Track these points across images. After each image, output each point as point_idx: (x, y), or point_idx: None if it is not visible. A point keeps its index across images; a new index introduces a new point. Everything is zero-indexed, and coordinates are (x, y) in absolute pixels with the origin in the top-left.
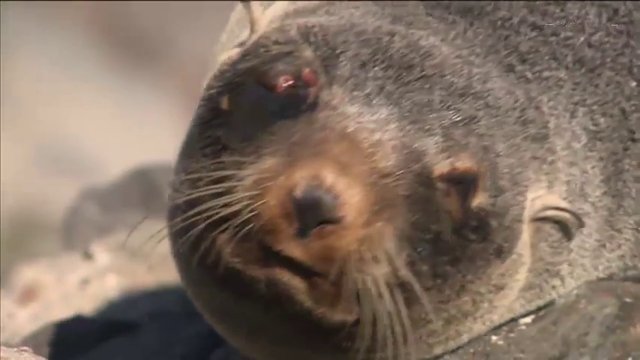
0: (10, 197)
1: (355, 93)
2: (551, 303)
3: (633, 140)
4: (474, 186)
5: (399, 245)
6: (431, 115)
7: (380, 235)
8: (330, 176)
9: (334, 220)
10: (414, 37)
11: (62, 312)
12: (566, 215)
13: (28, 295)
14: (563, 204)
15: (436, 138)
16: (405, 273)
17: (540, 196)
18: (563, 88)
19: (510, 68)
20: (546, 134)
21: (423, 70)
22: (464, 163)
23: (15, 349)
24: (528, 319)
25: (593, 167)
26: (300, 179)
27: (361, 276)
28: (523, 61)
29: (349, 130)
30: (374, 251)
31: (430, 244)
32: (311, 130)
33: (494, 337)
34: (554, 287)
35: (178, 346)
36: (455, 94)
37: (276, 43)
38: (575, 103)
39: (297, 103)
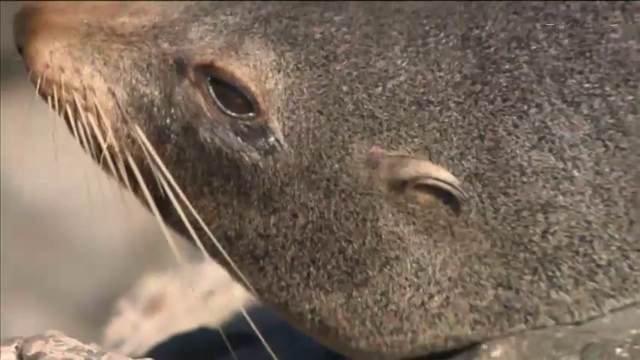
0: (142, 210)
1: None
2: None
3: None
4: (240, 93)
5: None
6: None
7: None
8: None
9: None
10: None
11: (187, 323)
12: (449, 189)
13: (154, 307)
14: (446, 175)
15: (218, 37)
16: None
17: (414, 163)
18: None
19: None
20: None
21: None
22: (227, 65)
23: None
24: None
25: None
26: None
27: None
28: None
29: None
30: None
31: (167, 123)
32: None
33: (618, 350)
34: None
35: (304, 358)
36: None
37: None
38: None
39: None
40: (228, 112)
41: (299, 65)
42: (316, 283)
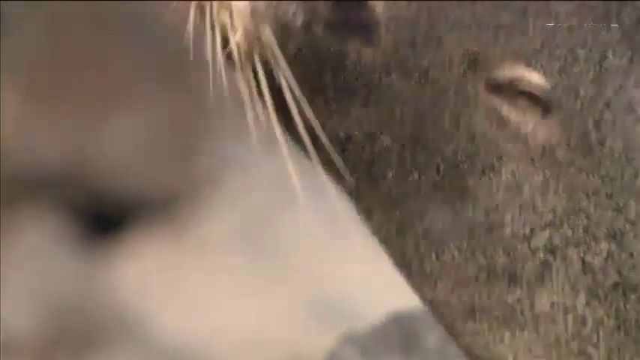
0: (279, 346)
1: None
2: None
3: None
4: None
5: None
6: None
7: None
8: None
9: None
10: None
11: None
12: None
13: None
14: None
15: None
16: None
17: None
18: None
19: None
20: None
21: None
22: None
23: None
24: None
25: None
26: None
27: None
28: None
29: None
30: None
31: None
32: None
33: None
34: None
35: None
36: None
37: None
38: None
39: None
40: (341, 7)
41: None
42: (424, 193)
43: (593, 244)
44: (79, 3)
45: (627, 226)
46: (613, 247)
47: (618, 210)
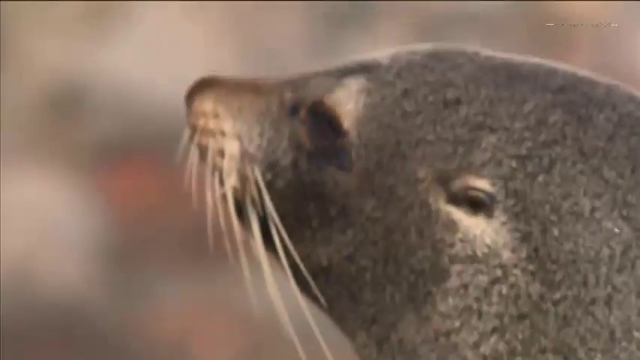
0: None
1: None
2: None
3: None
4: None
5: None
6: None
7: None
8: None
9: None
10: None
11: None
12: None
13: None
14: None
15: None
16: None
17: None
18: None
19: None
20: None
21: None
22: (332, 102)
23: None
24: None
25: None
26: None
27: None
28: None
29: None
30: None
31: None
32: None
33: None
34: None
35: None
36: None
37: None
38: None
39: None
40: (320, 139)
41: (375, 86)
42: (397, 304)
43: (539, 356)
44: None
45: (576, 342)
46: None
47: (565, 322)
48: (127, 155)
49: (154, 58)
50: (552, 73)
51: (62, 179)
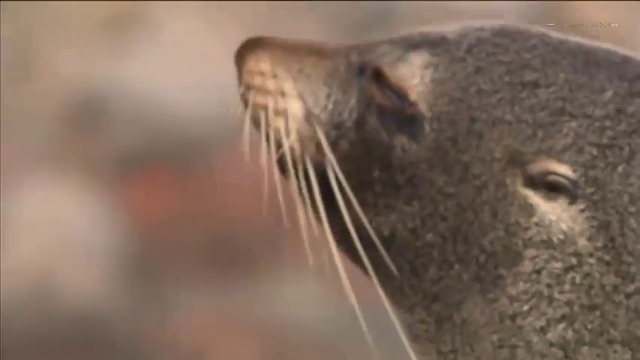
0: None
1: None
2: None
3: None
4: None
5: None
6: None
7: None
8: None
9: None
10: None
11: None
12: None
13: None
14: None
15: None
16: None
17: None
18: None
19: None
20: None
21: None
22: (392, 70)
23: None
24: None
25: None
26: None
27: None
28: None
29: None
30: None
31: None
32: None
33: None
34: None
35: None
36: None
37: None
38: None
39: None
40: (390, 100)
41: (442, 62)
42: (463, 283)
43: (606, 346)
44: None
45: None
46: (627, 355)
47: (637, 315)
48: (149, 166)
49: (175, 69)
50: (627, 60)
51: (83, 190)
